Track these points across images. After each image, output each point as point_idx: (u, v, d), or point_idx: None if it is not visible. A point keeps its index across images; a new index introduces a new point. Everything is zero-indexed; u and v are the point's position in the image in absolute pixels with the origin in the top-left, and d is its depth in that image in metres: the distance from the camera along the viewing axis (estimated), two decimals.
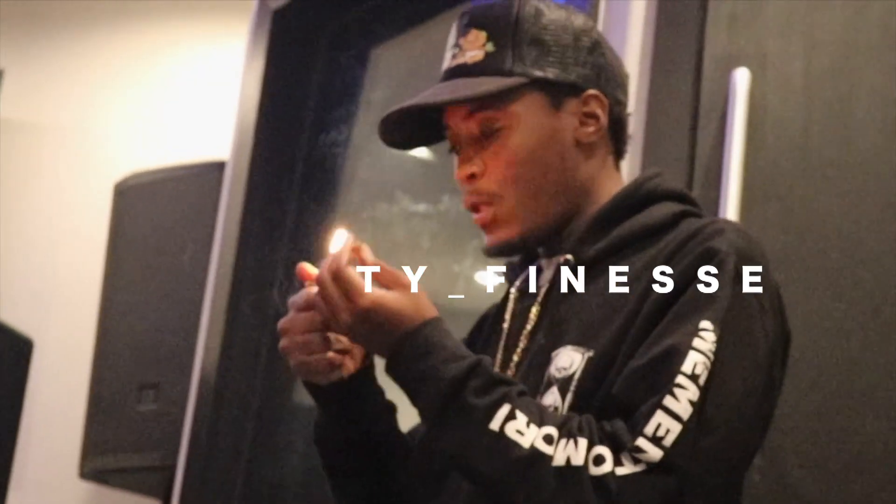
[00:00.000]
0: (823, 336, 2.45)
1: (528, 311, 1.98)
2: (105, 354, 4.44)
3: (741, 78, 2.60)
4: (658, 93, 2.73)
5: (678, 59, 2.74)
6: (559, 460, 1.64)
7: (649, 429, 1.64)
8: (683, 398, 1.65)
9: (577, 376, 1.80)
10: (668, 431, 1.64)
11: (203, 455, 3.85)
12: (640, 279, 1.84)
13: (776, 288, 1.86)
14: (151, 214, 4.47)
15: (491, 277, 2.17)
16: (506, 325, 2.03)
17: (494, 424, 1.67)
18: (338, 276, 1.80)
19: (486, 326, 2.12)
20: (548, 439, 1.66)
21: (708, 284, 1.75)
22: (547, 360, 1.86)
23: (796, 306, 2.34)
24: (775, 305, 1.83)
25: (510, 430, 1.67)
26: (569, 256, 1.95)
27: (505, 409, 1.69)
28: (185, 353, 4.06)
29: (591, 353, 1.80)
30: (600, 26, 2.80)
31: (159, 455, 4.13)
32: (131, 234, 4.52)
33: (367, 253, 1.85)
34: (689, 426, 1.64)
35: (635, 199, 1.98)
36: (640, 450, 1.63)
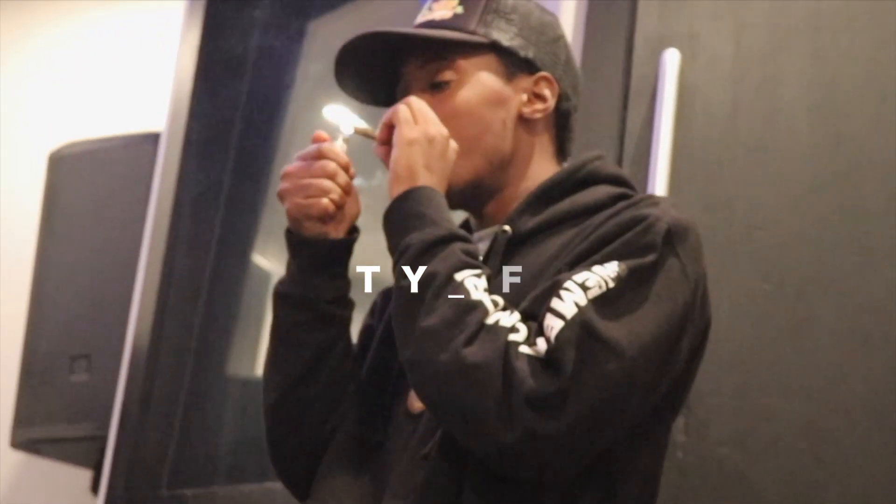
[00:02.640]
0: (747, 315, 2.49)
1: None
2: (37, 324, 4.43)
3: (671, 58, 2.63)
4: (590, 71, 2.71)
5: (610, 38, 2.76)
6: (492, 318, 1.71)
7: (542, 325, 1.70)
8: (569, 300, 1.69)
9: None
10: (551, 328, 1.68)
11: (135, 426, 3.84)
12: (568, 247, 1.88)
13: (703, 270, 1.86)
14: (86, 184, 4.44)
15: None
16: None
17: (460, 274, 1.76)
18: (409, 103, 1.95)
19: None
20: (494, 302, 1.74)
21: (629, 243, 1.78)
22: None
23: (721, 285, 2.41)
24: (699, 282, 1.84)
25: (469, 282, 1.75)
26: (506, 227, 1.98)
27: (475, 270, 1.78)
28: (118, 324, 4.06)
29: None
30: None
31: (91, 425, 4.13)
32: (65, 204, 4.50)
33: None
34: (570, 326, 1.67)
35: (576, 179, 2.02)
36: (534, 344, 1.69)
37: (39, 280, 4.49)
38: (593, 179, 2.01)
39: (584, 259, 1.78)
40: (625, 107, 2.69)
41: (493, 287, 1.82)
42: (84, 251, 4.36)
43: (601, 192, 1.98)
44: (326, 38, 3.83)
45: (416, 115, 1.93)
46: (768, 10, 2.64)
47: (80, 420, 4.19)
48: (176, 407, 3.90)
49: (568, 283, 1.71)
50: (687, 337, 1.81)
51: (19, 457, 4.69)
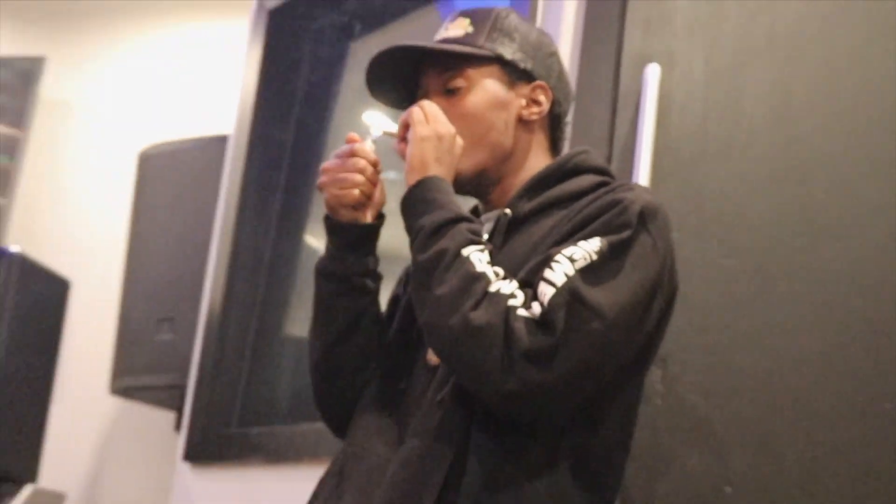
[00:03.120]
0: (714, 286, 2.46)
1: None
2: (129, 294, 4.45)
3: (652, 73, 2.60)
4: (584, 83, 2.73)
5: (601, 55, 2.74)
6: (494, 287, 1.76)
7: (536, 292, 1.74)
8: (559, 270, 1.73)
9: None
10: (544, 295, 1.72)
11: (209, 376, 3.85)
12: (558, 226, 1.90)
13: (671, 244, 1.89)
14: (168, 178, 4.47)
15: None
16: None
17: (465, 250, 1.81)
18: (422, 106, 2.00)
19: None
20: (495, 273, 1.79)
21: (608, 223, 1.81)
22: None
23: (694, 260, 2.44)
24: (668, 255, 1.87)
25: (473, 257, 1.80)
26: (507, 210, 2.00)
27: (478, 247, 1.83)
28: (195, 293, 4.07)
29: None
30: (537, 23, 2.84)
31: (174, 376, 4.14)
32: (152, 194, 4.52)
33: None
34: (560, 292, 1.71)
35: (565, 169, 2.04)
36: (530, 307, 1.73)
37: (131, 258, 4.52)
38: (579, 170, 2.04)
39: (572, 236, 1.82)
40: (614, 112, 2.67)
41: (497, 260, 1.87)
42: (167, 233, 4.39)
43: (586, 180, 2.01)
44: (365, 55, 3.83)
45: (427, 115, 1.97)
46: (733, 31, 2.61)
47: (165, 371, 4.21)
48: (243, 361, 3.91)
49: (558, 257, 1.75)
50: (657, 301, 1.84)
51: (117, 401, 4.70)
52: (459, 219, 1.86)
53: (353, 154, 2.03)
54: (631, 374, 1.89)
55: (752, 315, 2.41)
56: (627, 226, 1.79)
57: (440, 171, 1.94)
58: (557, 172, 2.03)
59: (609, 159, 2.60)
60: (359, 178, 2.03)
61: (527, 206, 2.00)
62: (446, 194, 1.91)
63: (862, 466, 2.25)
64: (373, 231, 2.09)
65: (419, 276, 1.85)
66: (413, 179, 1.93)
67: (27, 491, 3.54)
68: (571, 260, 1.74)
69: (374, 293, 2.12)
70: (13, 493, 3.53)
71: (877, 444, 2.24)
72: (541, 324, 1.71)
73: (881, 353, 2.29)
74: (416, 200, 1.91)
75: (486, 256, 1.81)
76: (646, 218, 1.81)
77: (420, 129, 1.95)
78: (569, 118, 2.18)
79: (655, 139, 2.56)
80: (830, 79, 2.49)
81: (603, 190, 1.92)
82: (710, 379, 2.40)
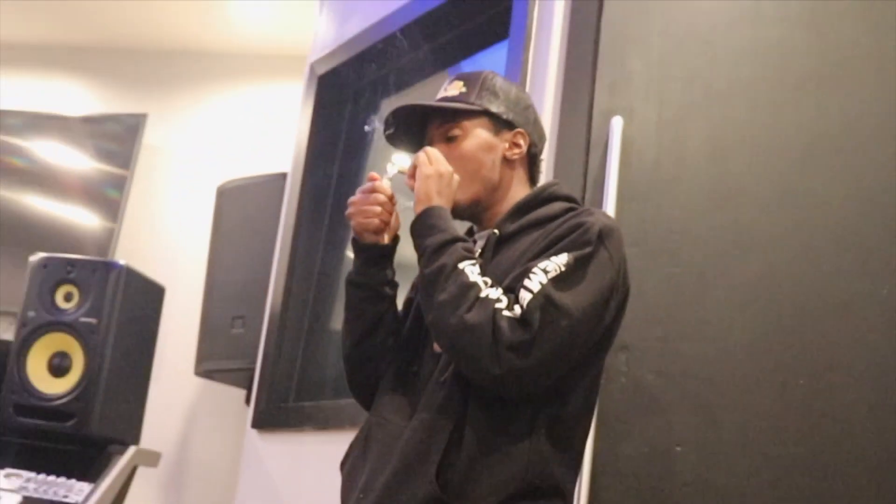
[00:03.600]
0: (666, 289, 2.46)
1: None
2: (210, 297, 4.45)
3: (617, 123, 2.60)
4: (564, 131, 2.73)
5: (577, 110, 2.73)
6: (484, 293, 1.78)
7: (518, 297, 1.76)
8: (535, 280, 1.76)
9: None
10: (524, 299, 1.75)
11: (272, 361, 3.83)
12: (536, 243, 1.91)
13: (623, 256, 1.90)
14: (240, 206, 4.46)
15: None
16: None
17: (462, 263, 1.84)
18: (426, 151, 2.00)
19: None
20: (484, 282, 1.81)
21: (574, 242, 1.84)
22: None
23: (648, 269, 2.45)
24: (621, 266, 1.88)
25: (468, 269, 1.83)
26: (495, 231, 2.01)
27: (471, 261, 1.85)
28: (261, 297, 4.05)
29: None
30: (527, 85, 2.85)
31: (244, 361, 4.13)
32: (227, 219, 4.51)
33: None
34: (536, 297, 1.74)
35: (541, 198, 2.05)
36: (511, 309, 1.75)
37: (211, 269, 4.52)
38: (552, 198, 2.05)
39: (546, 251, 1.84)
40: (587, 154, 2.66)
41: (488, 270, 1.89)
42: (239, 249, 4.38)
43: (557, 206, 2.02)
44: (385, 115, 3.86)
45: (430, 158, 1.99)
46: (679, 91, 2.62)
47: (238, 357, 4.20)
48: (298, 349, 3.89)
49: (535, 269, 1.78)
50: (613, 300, 1.86)
51: (200, 381, 4.71)
52: (456, 240, 1.88)
53: (373, 190, 2.05)
54: (593, 358, 1.90)
55: (695, 312, 2.43)
56: (589, 243, 1.82)
57: (441, 201, 1.95)
58: (534, 200, 2.04)
59: (584, 190, 2.60)
60: (378, 209, 2.05)
61: (510, 227, 2.00)
62: (446, 220, 1.92)
63: (780, 428, 2.28)
64: (390, 250, 2.11)
65: (425, 285, 1.87)
66: (420, 209, 1.95)
67: (131, 451, 3.56)
68: (545, 271, 1.76)
69: (392, 298, 2.13)
70: (121, 452, 3.54)
71: (791, 411, 2.27)
72: (521, 322, 1.73)
73: (794, 341, 2.32)
74: (423, 226, 1.92)
75: (477, 269, 1.83)
76: (603, 237, 1.83)
77: (424, 169, 1.97)
78: (543, 156, 2.18)
79: (619, 175, 2.56)
80: (754, 126, 2.51)
81: (570, 214, 1.94)
82: (663, 362, 2.41)
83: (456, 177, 1.98)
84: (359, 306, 2.13)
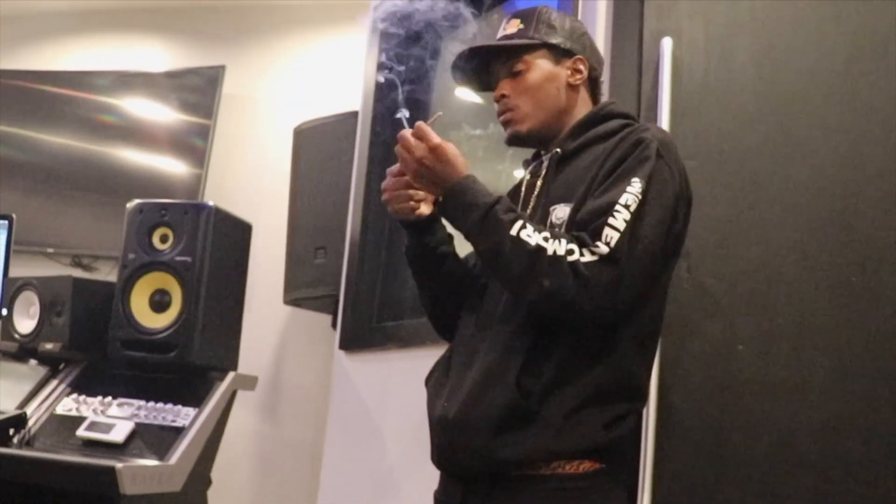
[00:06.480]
0: (721, 197, 2.46)
1: (535, 184, 2.03)
2: (294, 231, 4.46)
3: (666, 44, 2.58)
4: (617, 54, 2.72)
5: (628, 34, 2.71)
6: (550, 252, 1.72)
7: (601, 235, 1.72)
8: (620, 218, 1.73)
9: (566, 220, 1.85)
10: (611, 238, 1.72)
11: (354, 287, 3.87)
12: (598, 159, 1.89)
13: (682, 166, 1.89)
14: (317, 145, 4.45)
15: (519, 172, 2.20)
16: (522, 194, 2.06)
17: (514, 231, 1.75)
18: (417, 129, 1.89)
19: (510, 196, 2.12)
20: (545, 239, 1.74)
21: (637, 158, 1.82)
22: (547, 213, 1.91)
23: (704, 179, 2.45)
24: (682, 175, 1.88)
25: (523, 234, 1.75)
26: (558, 149, 2.02)
27: (519, 222, 1.77)
28: (341, 228, 4.06)
29: (572, 205, 1.86)
30: (579, 15, 2.81)
31: (329, 288, 4.15)
32: (306, 158, 4.50)
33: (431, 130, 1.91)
34: (623, 235, 1.72)
35: (598, 116, 2.05)
36: (596, 247, 1.71)
37: (293, 205, 4.52)
38: (610, 116, 2.04)
39: (613, 172, 1.82)
40: (640, 74, 2.64)
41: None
42: (318, 186, 4.38)
43: (614, 123, 2.01)
44: (452, 48, 3.81)
45: (408, 148, 1.90)
46: (724, 10, 2.59)
47: (323, 285, 4.22)
48: (377, 274, 3.91)
49: (618, 206, 1.74)
50: (680, 210, 1.87)
51: (289, 309, 4.75)
52: (491, 206, 1.80)
53: (400, 173, 1.99)
54: (667, 266, 1.90)
55: (749, 217, 2.41)
56: (649, 158, 1.81)
57: (448, 173, 1.87)
58: (593, 119, 2.04)
59: (638, 109, 2.59)
60: (409, 192, 2.02)
61: (572, 144, 2.00)
62: (467, 191, 1.84)
63: (834, 324, 2.26)
64: (434, 218, 2.09)
65: (489, 266, 1.85)
66: (440, 192, 1.89)
67: (230, 376, 3.61)
68: (627, 207, 1.74)
69: (452, 252, 2.13)
70: (221, 378, 3.60)
71: (845, 307, 2.26)
72: (608, 259, 1.70)
73: (845, 239, 2.29)
74: (452, 211, 1.87)
75: (529, 228, 1.76)
76: (661, 152, 1.83)
77: (415, 154, 1.89)
78: (603, 78, 2.17)
79: (671, 93, 2.54)
80: (798, 38, 2.47)
81: (628, 130, 1.92)
82: (722, 266, 2.41)
83: (450, 145, 1.89)
84: (423, 275, 2.15)
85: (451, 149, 1.88)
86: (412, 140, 1.89)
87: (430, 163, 1.87)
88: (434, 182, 1.89)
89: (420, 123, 1.90)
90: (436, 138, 1.88)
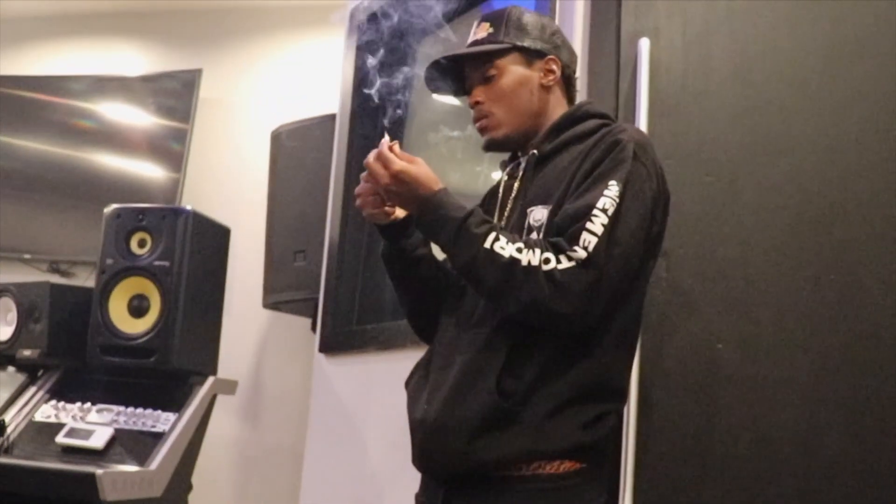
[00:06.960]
0: (699, 196, 2.44)
1: (512, 186, 2.02)
2: (272, 234, 4.45)
3: (644, 44, 2.56)
4: (594, 54, 2.70)
5: (606, 33, 2.70)
6: (524, 262, 1.71)
7: (578, 239, 1.70)
8: (598, 222, 1.72)
9: (544, 222, 1.84)
10: (589, 242, 1.70)
11: (333, 290, 3.86)
12: (576, 161, 1.87)
13: (659, 166, 1.88)
14: (294, 148, 4.44)
15: (497, 173, 2.19)
16: (499, 196, 2.05)
17: (487, 244, 1.74)
18: (378, 156, 1.86)
19: (488, 198, 2.13)
20: (518, 251, 1.72)
21: (614, 160, 1.80)
22: (525, 215, 1.89)
23: (682, 178, 2.43)
24: (659, 175, 1.86)
25: (496, 247, 1.73)
26: (534, 151, 2.00)
27: (492, 235, 1.75)
28: (320, 232, 4.05)
29: (550, 207, 1.84)
30: (557, 16, 2.80)
31: (308, 292, 4.15)
32: (283, 161, 4.49)
33: (397, 147, 1.88)
34: (601, 239, 1.71)
35: (575, 116, 2.03)
36: (574, 251, 1.69)
37: (272, 209, 4.52)
38: (586, 115, 2.03)
39: (591, 173, 1.81)
40: (618, 74, 2.62)
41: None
42: (296, 189, 4.38)
43: (591, 123, 1.99)
44: (427, 50, 3.81)
45: (381, 163, 1.86)
46: (701, 10, 2.58)
47: (302, 288, 4.21)
48: (357, 277, 3.90)
49: (595, 211, 1.73)
50: (658, 210, 1.86)
51: (268, 312, 4.75)
52: (462, 220, 1.78)
53: (369, 178, 1.91)
54: (645, 265, 1.89)
55: (728, 217, 2.40)
56: (626, 160, 1.79)
57: (419, 189, 1.84)
58: (569, 119, 2.01)
59: (616, 108, 2.57)
60: (380, 199, 1.97)
61: (548, 146, 1.98)
62: (439, 204, 1.82)
63: (814, 322, 2.26)
64: (409, 222, 2.06)
65: (466, 277, 1.82)
66: (414, 210, 1.87)
67: (210, 380, 3.59)
68: (604, 211, 1.72)
69: (428, 254, 2.10)
70: (201, 382, 3.57)
71: (824, 305, 2.25)
72: (586, 263, 1.69)
73: (823, 239, 2.29)
74: (426, 226, 1.85)
75: (502, 239, 1.74)
76: (638, 153, 1.81)
77: (382, 180, 1.86)
78: (578, 74, 2.15)
79: (649, 92, 2.52)
80: (775, 38, 2.46)
81: (604, 130, 1.91)
82: (701, 265, 2.39)
83: (412, 166, 1.85)
84: (400, 277, 2.13)
85: (413, 169, 1.84)
86: (375, 167, 1.86)
87: (396, 188, 1.84)
88: (405, 203, 1.88)
89: (381, 150, 1.87)
90: (397, 164, 1.84)
